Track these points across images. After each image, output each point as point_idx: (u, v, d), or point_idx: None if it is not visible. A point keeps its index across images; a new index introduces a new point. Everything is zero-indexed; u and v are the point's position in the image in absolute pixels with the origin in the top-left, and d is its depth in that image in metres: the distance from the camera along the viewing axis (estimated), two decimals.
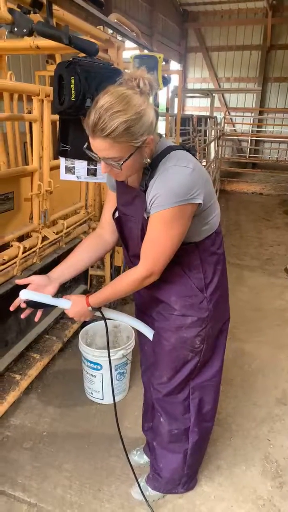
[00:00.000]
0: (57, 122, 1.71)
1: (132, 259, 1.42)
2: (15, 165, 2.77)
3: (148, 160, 1.17)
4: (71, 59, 1.49)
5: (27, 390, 2.22)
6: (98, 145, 1.09)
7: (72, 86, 1.46)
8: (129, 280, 1.29)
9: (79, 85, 1.47)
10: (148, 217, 1.21)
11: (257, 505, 1.69)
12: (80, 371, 2.27)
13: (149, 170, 1.19)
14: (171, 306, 1.39)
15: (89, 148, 1.13)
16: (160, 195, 1.15)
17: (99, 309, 1.38)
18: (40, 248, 2.16)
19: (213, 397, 1.56)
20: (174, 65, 10.96)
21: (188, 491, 1.71)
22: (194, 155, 1.24)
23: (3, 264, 1.85)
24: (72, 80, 1.46)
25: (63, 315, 2.63)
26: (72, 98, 1.48)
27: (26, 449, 1.90)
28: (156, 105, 3.86)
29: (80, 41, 1.50)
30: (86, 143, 1.13)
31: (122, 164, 1.11)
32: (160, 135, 1.24)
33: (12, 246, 1.97)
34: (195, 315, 1.37)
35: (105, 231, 1.48)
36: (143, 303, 1.56)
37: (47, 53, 2.82)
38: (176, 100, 6.62)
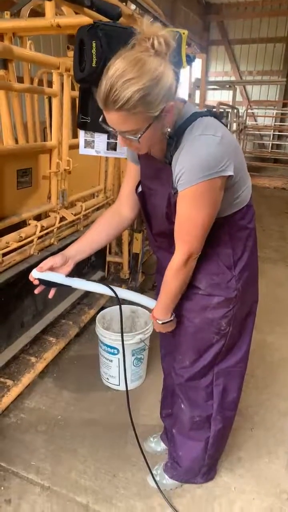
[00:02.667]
0: (77, 99, 1.66)
1: (156, 237, 1.34)
2: None
3: (169, 129, 1.06)
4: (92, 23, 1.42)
5: (42, 374, 2.18)
6: (112, 118, 1.00)
7: (93, 51, 1.39)
8: (172, 272, 1.20)
9: (100, 50, 1.40)
10: (174, 193, 1.12)
11: (281, 499, 1.59)
12: (96, 358, 2.21)
13: (173, 140, 1.08)
14: (195, 284, 1.29)
15: (105, 121, 1.04)
16: (186, 169, 1.05)
17: (170, 319, 1.31)
18: (57, 228, 2.11)
19: (238, 385, 1.47)
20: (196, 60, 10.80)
21: (207, 481, 1.63)
22: (222, 122, 1.14)
23: (20, 241, 1.81)
24: (94, 45, 1.39)
25: (79, 300, 2.59)
26: (93, 64, 1.41)
27: (41, 432, 1.86)
28: None
29: (102, 4, 1.43)
30: (102, 116, 1.04)
31: (139, 137, 1.01)
32: (185, 101, 1.15)
33: (29, 224, 1.93)
34: (222, 294, 1.28)
35: (124, 206, 1.39)
36: None
37: (68, 32, 2.76)
38: (197, 92, 6.48)
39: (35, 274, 1.26)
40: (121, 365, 2.04)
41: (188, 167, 1.05)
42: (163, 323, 1.31)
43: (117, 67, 0.94)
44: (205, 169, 1.03)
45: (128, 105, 0.94)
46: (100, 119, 1.06)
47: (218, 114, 1.15)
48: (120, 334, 1.42)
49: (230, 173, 1.08)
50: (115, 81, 0.93)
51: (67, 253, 1.31)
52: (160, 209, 1.22)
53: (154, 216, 1.29)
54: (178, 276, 1.21)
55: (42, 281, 1.28)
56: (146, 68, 0.94)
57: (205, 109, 1.18)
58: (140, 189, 1.31)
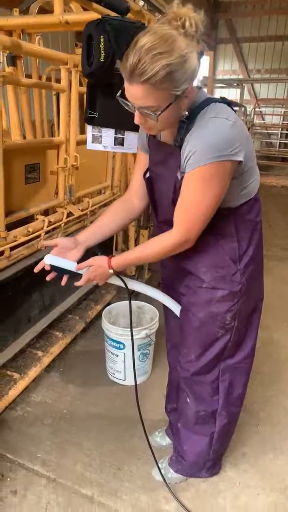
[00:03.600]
0: (84, 95, 1.66)
1: (162, 225, 1.34)
2: None
3: (186, 112, 1.06)
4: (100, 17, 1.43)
5: (49, 368, 2.20)
6: (134, 91, 0.98)
7: (101, 46, 1.39)
8: (162, 245, 1.20)
9: (108, 45, 1.40)
10: (181, 178, 1.12)
11: (285, 494, 1.59)
12: (102, 352, 2.22)
13: (185, 123, 1.08)
14: (200, 277, 1.30)
15: (123, 96, 1.03)
16: (197, 150, 1.04)
17: (119, 274, 1.30)
18: (65, 224, 2.12)
19: (244, 381, 1.47)
20: (203, 57, 10.76)
21: (212, 476, 1.64)
22: (234, 110, 1.14)
23: (27, 235, 1.82)
24: (102, 39, 1.39)
25: (86, 295, 2.60)
26: (101, 59, 1.41)
27: (46, 425, 1.87)
28: None
29: None
30: (120, 90, 1.03)
31: (159, 114, 1.01)
32: (199, 87, 1.14)
33: (37, 219, 1.95)
34: (226, 288, 1.27)
35: (134, 196, 1.40)
36: (169, 277, 1.48)
37: (77, 29, 2.77)
38: (205, 90, 6.48)
39: (47, 260, 1.28)
40: (126, 359, 2.05)
41: (199, 147, 1.04)
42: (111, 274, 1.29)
43: (146, 40, 0.93)
44: (216, 151, 1.02)
45: (155, 79, 0.94)
46: (118, 94, 1.04)
47: (231, 102, 1.13)
48: (126, 329, 1.43)
49: (240, 159, 1.07)
50: (144, 54, 0.92)
51: (78, 238, 1.35)
52: (166, 195, 1.22)
53: (160, 203, 1.29)
54: (164, 252, 1.21)
55: (53, 268, 1.29)
56: (176, 45, 0.94)
57: (219, 96, 1.18)
58: (148, 175, 1.31)
